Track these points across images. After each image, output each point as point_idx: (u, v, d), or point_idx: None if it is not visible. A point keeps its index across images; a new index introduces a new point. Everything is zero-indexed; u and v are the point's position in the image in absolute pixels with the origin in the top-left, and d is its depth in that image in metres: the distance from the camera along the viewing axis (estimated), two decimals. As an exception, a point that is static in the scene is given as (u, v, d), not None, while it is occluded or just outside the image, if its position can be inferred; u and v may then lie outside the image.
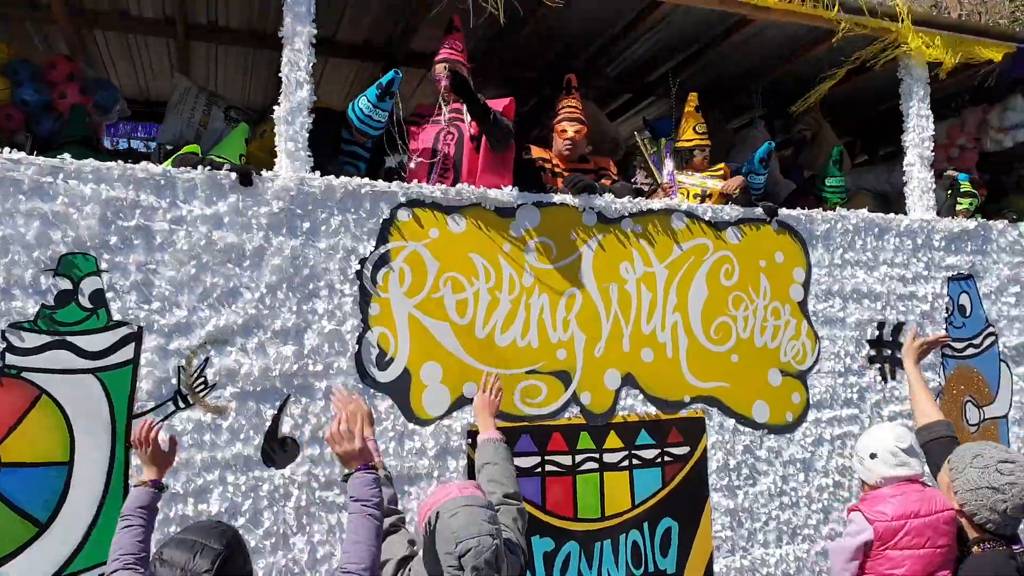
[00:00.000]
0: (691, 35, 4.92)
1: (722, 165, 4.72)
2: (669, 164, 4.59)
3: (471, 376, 3.52)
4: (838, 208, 4.68)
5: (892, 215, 4.63)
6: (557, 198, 3.79)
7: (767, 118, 6.25)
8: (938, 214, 4.83)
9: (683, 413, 3.98)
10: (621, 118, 6.29)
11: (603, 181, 4.15)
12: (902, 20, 4.68)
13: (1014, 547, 2.53)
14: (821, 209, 4.55)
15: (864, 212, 4.54)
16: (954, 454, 2.67)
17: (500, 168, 3.74)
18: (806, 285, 4.33)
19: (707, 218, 4.14)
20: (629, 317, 3.90)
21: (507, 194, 3.66)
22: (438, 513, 2.24)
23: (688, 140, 4.63)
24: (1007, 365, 4.84)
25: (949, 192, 5.16)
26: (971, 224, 4.82)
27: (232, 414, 3.07)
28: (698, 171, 4.64)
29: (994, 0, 18.90)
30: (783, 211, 4.32)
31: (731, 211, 4.21)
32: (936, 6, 19.19)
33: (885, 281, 4.53)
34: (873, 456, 2.78)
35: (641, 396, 3.88)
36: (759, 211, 4.28)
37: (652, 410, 3.90)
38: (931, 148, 4.91)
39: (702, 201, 4.51)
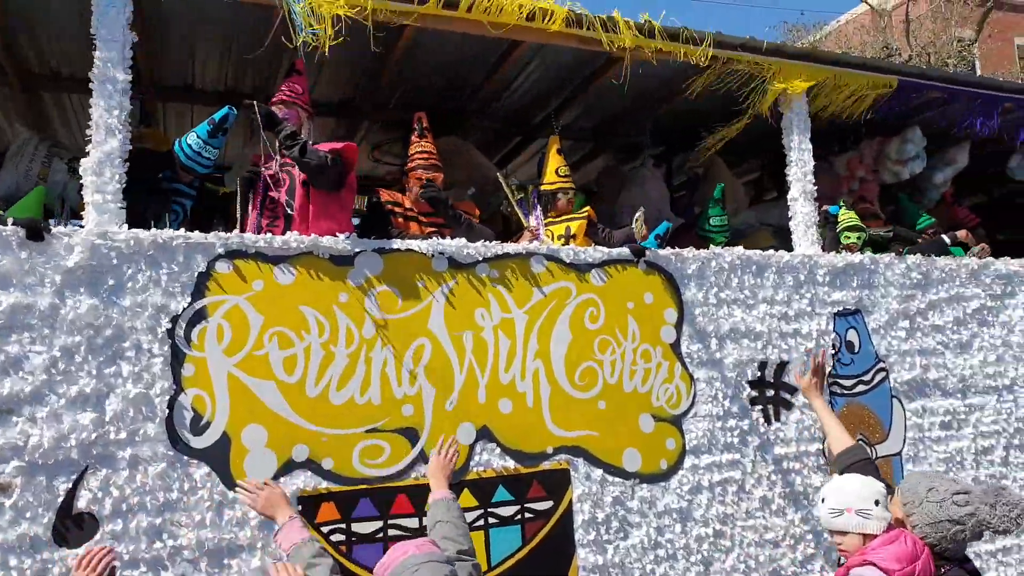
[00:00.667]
0: (564, 75, 4.81)
1: (588, 208, 4.59)
2: (536, 208, 4.45)
3: (302, 438, 3.30)
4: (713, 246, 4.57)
5: (772, 252, 4.51)
6: (402, 243, 3.62)
7: (664, 156, 6.18)
8: (837, 249, 4.74)
9: (545, 465, 3.78)
10: (517, 159, 6.18)
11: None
12: (761, 52, 4.61)
13: (966, 565, 2.61)
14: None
15: (739, 249, 4.41)
16: (904, 488, 2.66)
17: (337, 214, 3.57)
18: (678, 326, 4.18)
19: (569, 260, 3.98)
20: (485, 366, 3.72)
21: (343, 241, 3.48)
22: (399, 573, 2.23)
23: (551, 183, 4.50)
24: (899, 401, 4.70)
25: (823, 226, 5.06)
26: (856, 258, 4.71)
27: (16, 491, 2.82)
28: (563, 214, 4.50)
29: (943, 41, 19.37)
30: (651, 251, 4.18)
31: (595, 253, 4.07)
32: (887, 48, 19.66)
33: (766, 319, 4.39)
34: (878, 503, 2.59)
35: (498, 450, 3.68)
36: (625, 252, 4.13)
37: (511, 464, 3.70)
38: (813, 182, 4.82)
39: (566, 243, 4.36)
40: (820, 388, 3.57)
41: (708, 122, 5.48)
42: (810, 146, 4.83)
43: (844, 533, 2.57)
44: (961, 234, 5.76)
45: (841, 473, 2.91)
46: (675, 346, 4.16)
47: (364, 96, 4.95)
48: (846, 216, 5.18)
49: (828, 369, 4.23)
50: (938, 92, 5.25)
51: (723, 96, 4.83)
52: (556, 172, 4.50)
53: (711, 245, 4.89)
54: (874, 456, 4.58)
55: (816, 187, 5.12)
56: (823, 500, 2.65)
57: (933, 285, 4.90)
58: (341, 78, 4.70)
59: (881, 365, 4.69)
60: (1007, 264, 5.16)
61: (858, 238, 5.18)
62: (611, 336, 4.02)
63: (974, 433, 4.84)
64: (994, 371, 4.98)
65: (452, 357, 3.65)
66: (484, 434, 3.66)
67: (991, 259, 5.14)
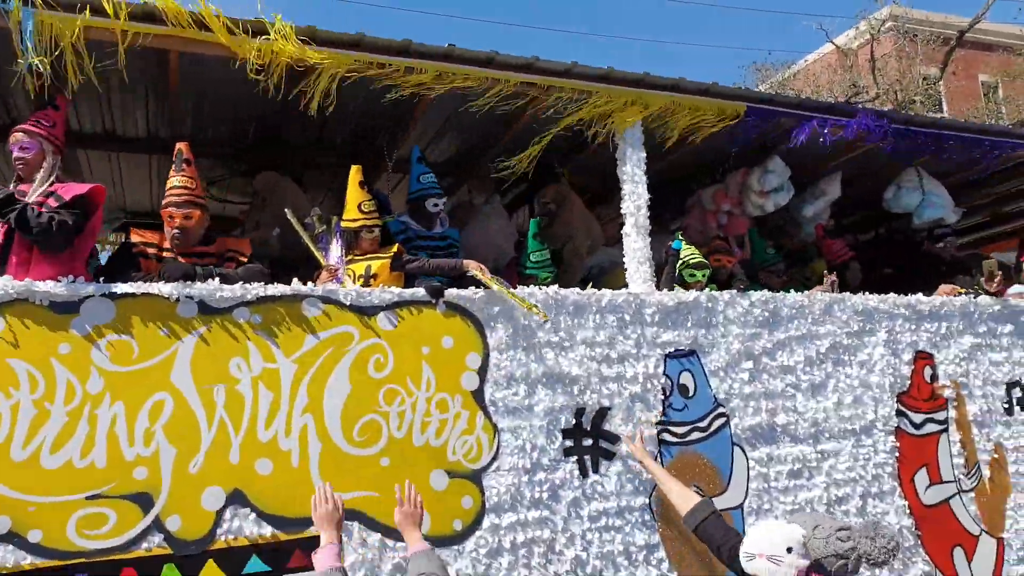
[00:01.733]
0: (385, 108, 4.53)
1: (396, 246, 4.28)
2: (336, 246, 4.13)
3: (3, 508, 2.94)
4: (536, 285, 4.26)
5: (593, 291, 4.20)
6: (138, 287, 3.29)
7: (528, 193, 5.91)
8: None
9: (311, 531, 3.41)
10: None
11: (227, 265, 3.67)
12: (588, 78, 4.35)
13: None
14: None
15: (554, 288, 4.10)
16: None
17: (65, 257, 3.24)
18: (482, 372, 3.85)
19: (350, 303, 3.66)
20: (240, 423, 3.37)
21: (64, 286, 3.15)
22: None
23: (353, 220, 4.18)
24: (741, 449, 4.36)
25: (665, 261, 4.76)
26: (690, 296, 4.40)
27: None
28: (368, 252, 4.19)
29: (908, 79, 19.40)
30: (452, 291, 3.86)
31: (383, 295, 3.75)
32: (855, 86, 19.67)
33: (584, 362, 4.07)
34: (790, 550, 2.65)
35: (253, 515, 3.32)
36: (421, 292, 3.82)
37: (268, 531, 3.33)
38: (647, 215, 4.53)
39: (366, 283, 4.04)
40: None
41: (560, 153, 5.24)
42: (643, 178, 4.55)
43: None
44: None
45: (695, 531, 3.07)
46: (478, 394, 3.83)
47: (168, 127, 4.68)
48: (688, 252, 4.88)
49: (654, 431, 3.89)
50: (792, 120, 5.01)
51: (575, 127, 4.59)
52: (359, 208, 4.18)
53: (535, 283, 4.59)
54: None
55: (683, 222, 4.86)
56: (741, 543, 2.72)
57: (781, 323, 4.59)
58: (134, 108, 4.44)
59: (721, 410, 4.36)
60: (865, 300, 4.86)
61: (703, 275, 4.89)
62: (400, 385, 3.68)
63: (827, 482, 4.49)
64: (851, 414, 4.66)
65: (199, 413, 3.30)
66: (236, 498, 3.30)
67: (847, 295, 4.84)
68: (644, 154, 4.59)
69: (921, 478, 4.78)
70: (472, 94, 4.31)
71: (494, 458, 3.80)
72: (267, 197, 4.84)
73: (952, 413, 5.00)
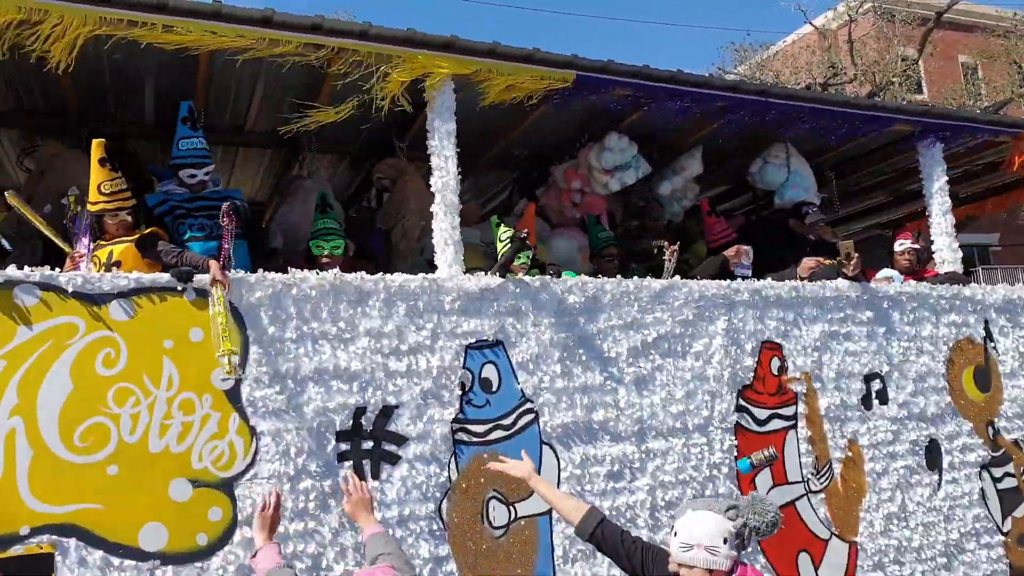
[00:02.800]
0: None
1: (154, 228, 3.83)
2: (85, 230, 3.68)
3: None
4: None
5: (381, 276, 3.80)
6: None
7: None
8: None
9: (17, 550, 2.99)
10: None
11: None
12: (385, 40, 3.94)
13: None
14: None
15: (332, 273, 3.69)
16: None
17: None
18: (240, 368, 3.43)
19: (74, 290, 3.22)
20: (-73, 427, 2.93)
21: None
22: None
23: (94, 203, 3.71)
24: (551, 448, 3.99)
25: (507, 244, 4.34)
26: (495, 282, 4.02)
27: None
28: (116, 237, 3.75)
29: (887, 60, 19.19)
30: (201, 276, 3.44)
31: (117, 280, 3.32)
32: (833, 67, 19.41)
33: (366, 356, 3.67)
34: (726, 541, 2.54)
35: (-62, 533, 2.89)
36: (164, 278, 3.39)
37: (-44, 552, 2.90)
38: (457, 191, 4.14)
39: (108, 270, 3.60)
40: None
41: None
42: (453, 152, 4.15)
43: (691, 567, 2.54)
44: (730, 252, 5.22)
45: (587, 541, 2.93)
46: (232, 393, 3.42)
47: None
48: (504, 232, 4.48)
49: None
50: (629, 90, 4.64)
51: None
52: (99, 189, 3.70)
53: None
54: (514, 516, 3.86)
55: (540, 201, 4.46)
56: (675, 533, 2.59)
57: (602, 310, 4.22)
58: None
59: (529, 406, 3.99)
60: (702, 285, 4.51)
61: (527, 258, 4.50)
62: (135, 383, 3.26)
63: (651, 484, 4.14)
64: (682, 409, 4.30)
65: None
66: (-84, 514, 2.87)
67: (679, 279, 4.47)
68: (454, 126, 4.19)
69: (763, 479, 4.44)
70: (255, 57, 3.88)
71: (250, 465, 3.39)
72: (44, 170, 4.37)
73: (802, 408, 4.67)
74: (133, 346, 3.28)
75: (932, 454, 4.98)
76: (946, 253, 5.73)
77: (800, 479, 4.56)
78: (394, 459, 3.65)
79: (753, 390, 4.54)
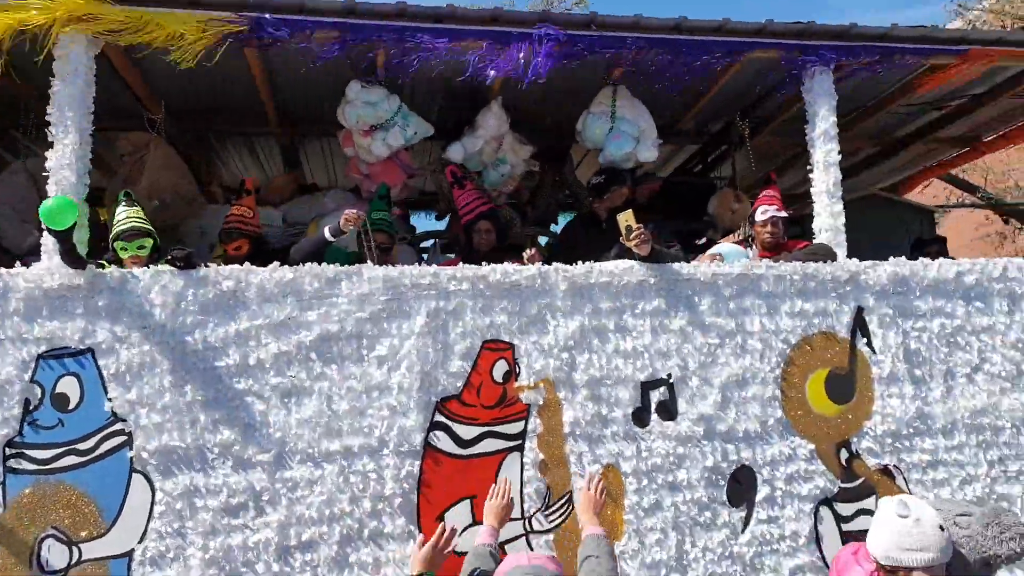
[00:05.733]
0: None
1: None
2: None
3: None
4: None
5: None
6: None
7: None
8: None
9: None
10: None
11: None
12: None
13: None
14: None
15: None
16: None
17: None
18: None
19: None
20: None
21: None
22: None
23: None
24: (145, 477, 3.29)
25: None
26: (84, 277, 3.32)
27: None
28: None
29: None
30: None
31: None
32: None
33: None
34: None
35: None
36: None
37: None
38: (88, 160, 3.47)
39: None
40: None
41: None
42: (88, 113, 3.50)
43: None
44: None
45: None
46: None
47: None
48: (125, 215, 3.70)
49: None
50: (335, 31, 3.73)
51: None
52: None
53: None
54: (78, 557, 3.22)
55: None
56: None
57: (246, 306, 3.44)
58: None
59: (119, 427, 3.30)
60: (393, 272, 3.58)
61: (137, 248, 3.72)
62: None
63: (284, 520, 3.35)
64: (344, 427, 3.46)
65: None
66: None
67: (363, 267, 3.58)
68: (93, 86, 3.53)
69: (458, 515, 3.53)
70: None
71: None
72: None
73: (536, 424, 3.67)
74: None
75: (740, 485, 3.83)
76: (825, 219, 4.42)
77: (519, 516, 3.59)
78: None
79: (460, 402, 3.60)
